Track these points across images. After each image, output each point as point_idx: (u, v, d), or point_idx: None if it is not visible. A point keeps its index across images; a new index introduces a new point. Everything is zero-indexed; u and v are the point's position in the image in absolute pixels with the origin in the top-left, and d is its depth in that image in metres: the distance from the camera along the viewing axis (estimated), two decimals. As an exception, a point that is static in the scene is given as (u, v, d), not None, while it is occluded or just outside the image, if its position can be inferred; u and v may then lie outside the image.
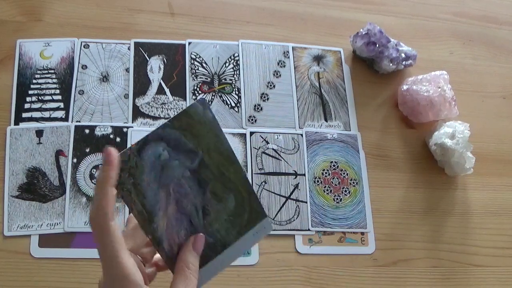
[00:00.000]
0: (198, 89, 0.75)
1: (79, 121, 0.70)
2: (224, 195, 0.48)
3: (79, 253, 0.63)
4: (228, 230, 0.48)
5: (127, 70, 0.73)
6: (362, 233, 0.71)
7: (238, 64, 0.78)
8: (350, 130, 0.77)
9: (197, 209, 0.47)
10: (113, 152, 0.40)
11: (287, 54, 0.80)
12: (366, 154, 0.76)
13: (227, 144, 0.47)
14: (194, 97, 0.74)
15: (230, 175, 0.48)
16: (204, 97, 0.74)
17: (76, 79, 0.72)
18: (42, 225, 0.64)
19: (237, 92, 0.76)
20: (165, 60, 0.76)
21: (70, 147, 0.68)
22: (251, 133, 0.74)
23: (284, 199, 0.71)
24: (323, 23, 0.85)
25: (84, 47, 0.74)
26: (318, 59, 0.81)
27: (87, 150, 0.68)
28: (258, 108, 0.76)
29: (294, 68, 0.79)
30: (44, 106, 0.69)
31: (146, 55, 0.75)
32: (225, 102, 0.75)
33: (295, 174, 0.72)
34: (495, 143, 0.82)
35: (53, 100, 0.70)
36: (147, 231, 0.44)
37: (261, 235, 0.50)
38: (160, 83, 0.74)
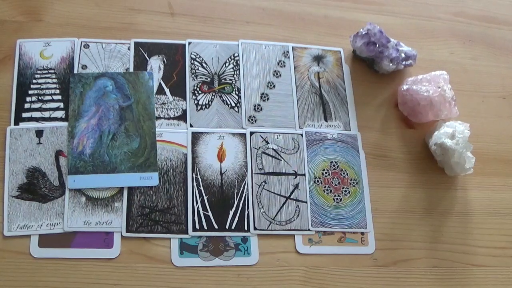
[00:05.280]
0: (198, 89, 0.75)
1: (79, 121, 0.70)
2: (133, 135, 0.67)
3: (79, 253, 0.63)
4: (123, 161, 0.66)
5: (127, 70, 0.73)
6: (362, 233, 0.71)
7: (238, 64, 0.78)
8: (350, 130, 0.77)
9: (109, 132, 0.66)
10: None
11: (287, 54, 0.80)
12: (366, 154, 0.76)
13: (153, 106, 0.70)
14: (194, 97, 0.74)
15: (144, 125, 0.68)
16: (204, 97, 0.75)
17: (76, 79, 0.73)
18: (42, 225, 0.64)
19: (237, 92, 0.76)
20: (165, 60, 0.76)
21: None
22: (251, 133, 0.74)
23: (284, 199, 0.71)
24: (323, 23, 0.85)
25: (84, 47, 0.74)
26: (318, 59, 0.81)
27: (87, 150, 0.69)
28: (258, 108, 0.76)
29: (294, 68, 0.79)
30: (44, 106, 0.70)
31: (146, 55, 0.75)
32: (225, 102, 0.75)
33: (295, 174, 0.72)
34: (495, 143, 0.82)
35: (53, 100, 0.70)
36: (71, 124, 0.67)
37: (147, 183, 0.66)
38: (160, 83, 0.74)
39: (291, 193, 0.71)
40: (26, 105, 0.69)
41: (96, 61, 0.73)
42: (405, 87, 0.79)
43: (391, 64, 0.79)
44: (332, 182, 0.73)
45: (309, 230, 0.70)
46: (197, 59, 0.77)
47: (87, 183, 0.66)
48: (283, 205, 0.70)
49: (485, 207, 0.76)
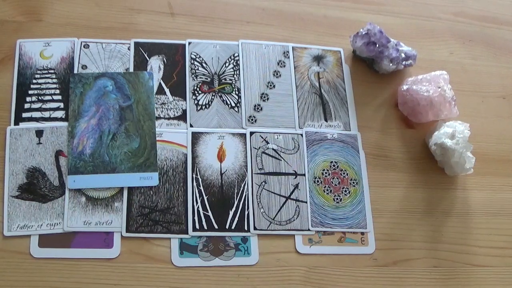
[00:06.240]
0: (198, 89, 0.75)
1: (79, 121, 0.70)
2: (133, 135, 0.67)
3: (79, 253, 0.63)
4: (123, 161, 0.66)
5: (127, 70, 0.73)
6: (362, 233, 0.71)
7: (238, 64, 0.78)
8: (350, 130, 0.77)
9: (109, 132, 0.66)
10: None
11: (287, 54, 0.80)
12: (366, 154, 0.76)
13: (153, 106, 0.70)
14: (194, 97, 0.74)
15: (144, 125, 0.68)
16: (204, 97, 0.75)
17: (76, 79, 0.73)
18: (42, 225, 0.64)
19: (237, 92, 0.76)
20: (165, 60, 0.76)
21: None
22: (251, 133, 0.74)
23: (284, 199, 0.71)
24: (323, 23, 0.85)
25: (84, 47, 0.74)
26: (318, 59, 0.81)
27: (87, 150, 0.69)
28: (258, 108, 0.76)
29: (294, 68, 0.80)
30: (44, 106, 0.70)
31: (146, 55, 0.75)
32: (225, 102, 0.75)
33: (295, 174, 0.72)
34: (495, 143, 0.82)
35: (53, 100, 0.70)
36: (71, 124, 0.67)
37: (147, 183, 0.66)
38: (160, 83, 0.74)
39: (291, 193, 0.71)
40: (26, 105, 0.69)
41: (96, 61, 0.73)
42: (405, 87, 0.79)
43: (391, 64, 0.79)
44: (332, 182, 0.73)
45: (309, 230, 0.70)
46: (197, 59, 0.77)
47: (87, 183, 0.66)
48: (283, 205, 0.70)
49: (485, 207, 0.76)
